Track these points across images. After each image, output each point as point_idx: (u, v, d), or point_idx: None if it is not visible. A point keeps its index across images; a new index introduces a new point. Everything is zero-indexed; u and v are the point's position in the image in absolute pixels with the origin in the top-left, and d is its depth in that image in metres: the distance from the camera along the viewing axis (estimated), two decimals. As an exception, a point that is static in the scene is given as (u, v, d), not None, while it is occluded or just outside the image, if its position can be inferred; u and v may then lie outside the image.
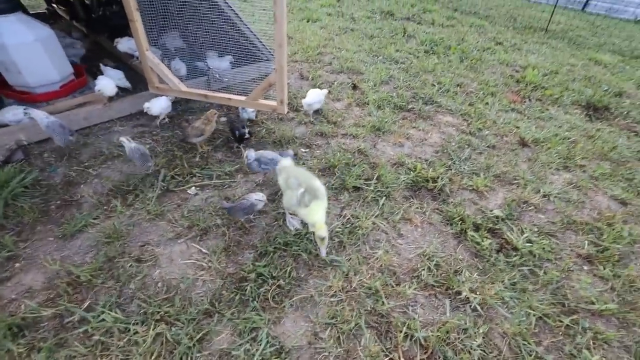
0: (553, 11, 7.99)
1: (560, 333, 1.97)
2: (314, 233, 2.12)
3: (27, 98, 3.29)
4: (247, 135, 3.15)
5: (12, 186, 2.46)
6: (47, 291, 1.95)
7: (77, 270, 2.02)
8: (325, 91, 3.78)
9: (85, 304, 1.89)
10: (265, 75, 4.39)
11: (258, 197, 2.29)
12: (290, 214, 2.43)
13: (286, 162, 2.42)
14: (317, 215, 2.01)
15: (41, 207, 2.48)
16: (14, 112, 2.96)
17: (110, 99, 3.43)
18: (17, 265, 2.10)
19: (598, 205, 2.91)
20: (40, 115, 2.71)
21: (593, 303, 2.13)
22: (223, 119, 3.57)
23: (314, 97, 3.62)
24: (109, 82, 3.38)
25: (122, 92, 3.58)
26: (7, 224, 2.33)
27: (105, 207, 2.51)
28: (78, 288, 1.97)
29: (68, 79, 3.54)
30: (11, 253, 2.14)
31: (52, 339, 1.73)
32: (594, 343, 1.93)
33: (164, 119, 3.51)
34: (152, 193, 2.63)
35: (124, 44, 3.94)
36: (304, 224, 2.35)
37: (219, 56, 3.88)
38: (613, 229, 2.64)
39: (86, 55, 4.32)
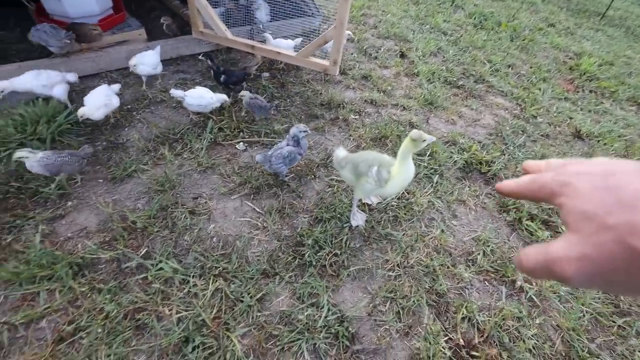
0: (615, -5, 7.35)
1: (613, 333, 1.95)
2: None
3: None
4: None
5: (60, 121, 2.36)
6: (103, 233, 1.91)
7: (133, 216, 1.97)
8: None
9: (142, 251, 1.86)
10: (310, 32, 4.13)
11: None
12: (359, 206, 2.18)
13: (341, 153, 2.06)
14: (402, 172, 1.74)
15: (87, 147, 2.39)
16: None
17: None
18: (69, 204, 2.04)
19: (654, 209, 2.80)
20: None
21: (646, 306, 2.09)
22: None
23: None
24: (96, 98, 2.36)
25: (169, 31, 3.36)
26: (54, 160, 2.25)
27: (152, 154, 2.42)
28: (133, 234, 1.93)
29: (107, 14, 3.30)
30: (63, 191, 2.08)
31: (112, 282, 1.71)
32: (647, 346, 1.91)
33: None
34: (200, 144, 2.53)
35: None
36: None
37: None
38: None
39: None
